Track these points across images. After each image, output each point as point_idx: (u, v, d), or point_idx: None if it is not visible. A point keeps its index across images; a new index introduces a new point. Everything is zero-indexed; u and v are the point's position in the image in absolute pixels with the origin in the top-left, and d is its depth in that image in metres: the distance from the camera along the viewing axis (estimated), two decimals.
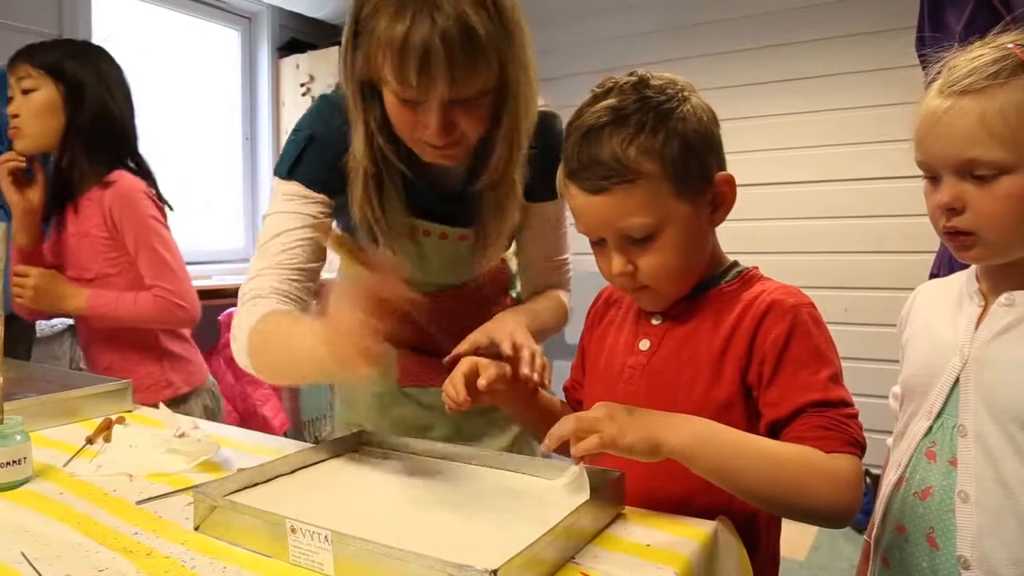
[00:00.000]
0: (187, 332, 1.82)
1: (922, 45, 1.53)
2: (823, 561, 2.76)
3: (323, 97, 1.19)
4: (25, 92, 1.64)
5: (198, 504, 0.82)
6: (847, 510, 0.78)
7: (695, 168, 0.88)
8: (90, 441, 1.15)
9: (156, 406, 1.26)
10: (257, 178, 4.10)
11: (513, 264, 1.42)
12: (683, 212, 0.88)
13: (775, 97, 3.38)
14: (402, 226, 1.15)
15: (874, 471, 2.82)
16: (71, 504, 0.91)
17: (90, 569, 0.73)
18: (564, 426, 0.79)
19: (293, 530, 0.72)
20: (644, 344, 0.96)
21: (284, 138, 4.24)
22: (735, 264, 0.97)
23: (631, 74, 0.90)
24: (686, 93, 0.90)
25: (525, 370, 0.98)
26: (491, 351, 1.02)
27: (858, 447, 0.80)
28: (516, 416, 1.11)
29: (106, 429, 1.18)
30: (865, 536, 1.18)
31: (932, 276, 1.53)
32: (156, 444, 1.09)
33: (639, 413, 0.79)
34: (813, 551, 2.83)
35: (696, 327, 0.92)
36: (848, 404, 0.83)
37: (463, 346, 1.06)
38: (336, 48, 3.69)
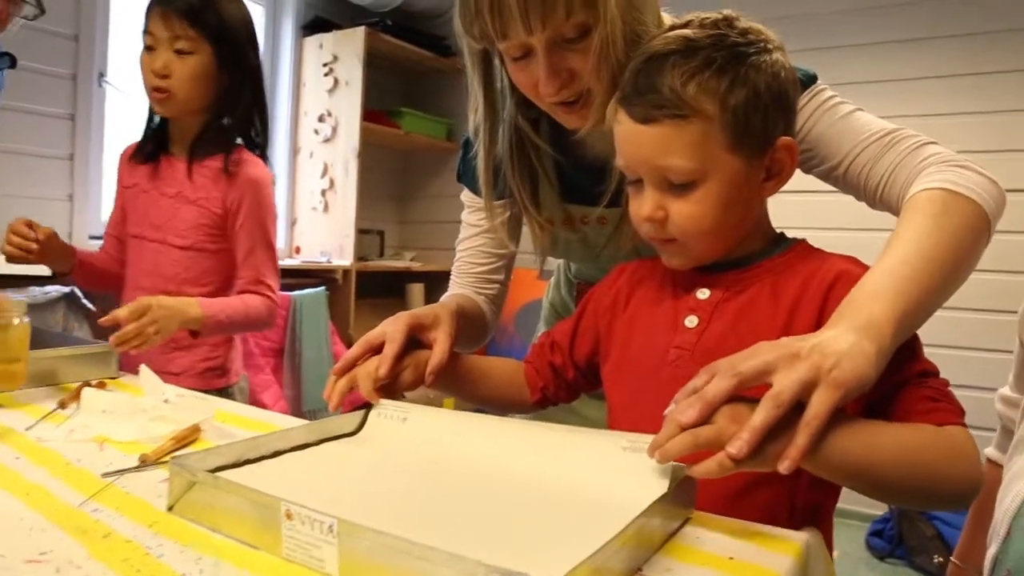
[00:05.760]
0: None
1: None
2: None
3: None
4: (179, 52, 1.45)
5: (174, 479, 0.66)
6: (978, 485, 0.68)
7: (757, 124, 0.79)
8: (62, 405, 1.00)
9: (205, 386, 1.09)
10: (273, 157, 3.96)
11: None
12: (732, 167, 0.79)
13: (862, 98, 3.21)
14: (557, 213, 1.11)
15: None
16: (23, 472, 0.76)
17: (30, 551, 0.57)
18: (681, 443, 0.63)
19: (289, 516, 0.57)
20: (691, 321, 0.86)
21: (303, 119, 4.09)
22: (782, 235, 0.90)
23: (719, 12, 0.82)
24: (771, 46, 0.81)
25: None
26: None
27: (964, 417, 0.71)
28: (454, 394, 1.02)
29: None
30: (952, 558, 1.03)
31: None
32: (135, 411, 0.94)
33: None
34: None
35: (752, 299, 0.83)
36: (939, 373, 0.75)
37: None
38: (362, 28, 3.57)
